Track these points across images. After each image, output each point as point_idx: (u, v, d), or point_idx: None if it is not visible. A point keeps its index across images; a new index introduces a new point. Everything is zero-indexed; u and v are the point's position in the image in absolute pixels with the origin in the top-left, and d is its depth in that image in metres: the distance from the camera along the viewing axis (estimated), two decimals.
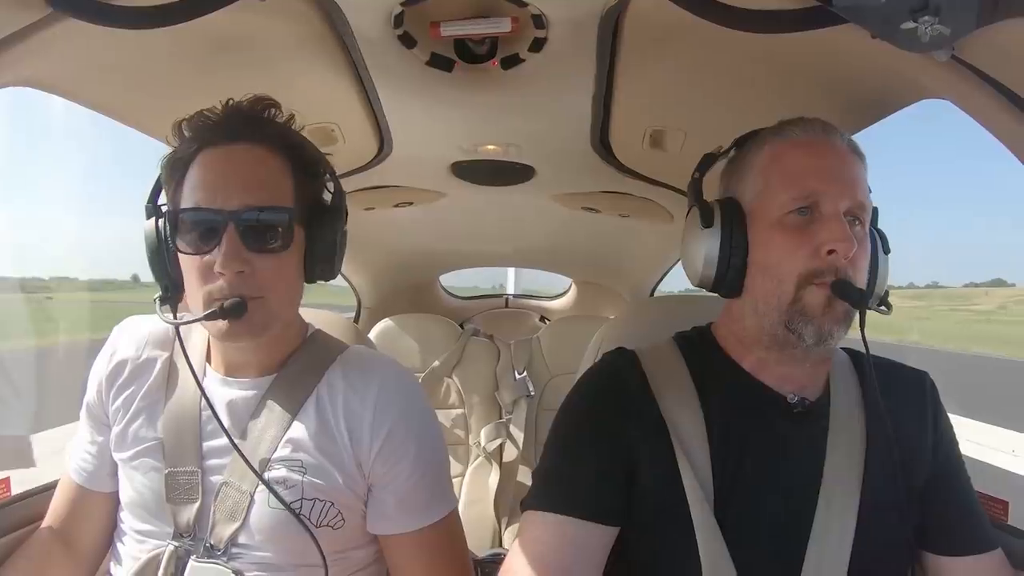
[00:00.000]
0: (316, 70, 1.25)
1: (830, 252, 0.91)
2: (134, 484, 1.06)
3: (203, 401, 1.06)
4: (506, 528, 2.65)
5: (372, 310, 3.29)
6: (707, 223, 1.00)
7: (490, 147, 1.71)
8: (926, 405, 1.04)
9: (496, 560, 2.03)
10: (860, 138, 1.30)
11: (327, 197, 1.10)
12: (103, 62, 1.11)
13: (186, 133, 1.03)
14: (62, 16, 0.88)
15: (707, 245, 0.99)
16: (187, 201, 0.99)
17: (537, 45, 1.14)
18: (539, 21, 1.08)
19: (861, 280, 0.94)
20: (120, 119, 1.33)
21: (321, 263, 1.07)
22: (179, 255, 1.01)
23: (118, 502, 1.11)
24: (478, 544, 2.51)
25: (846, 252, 0.90)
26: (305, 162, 1.06)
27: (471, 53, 1.20)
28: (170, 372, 1.11)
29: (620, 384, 1.02)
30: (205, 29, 0.96)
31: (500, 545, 2.57)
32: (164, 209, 1.03)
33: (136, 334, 1.15)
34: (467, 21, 1.10)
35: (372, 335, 2.78)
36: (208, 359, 1.12)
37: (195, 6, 0.89)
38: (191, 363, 1.03)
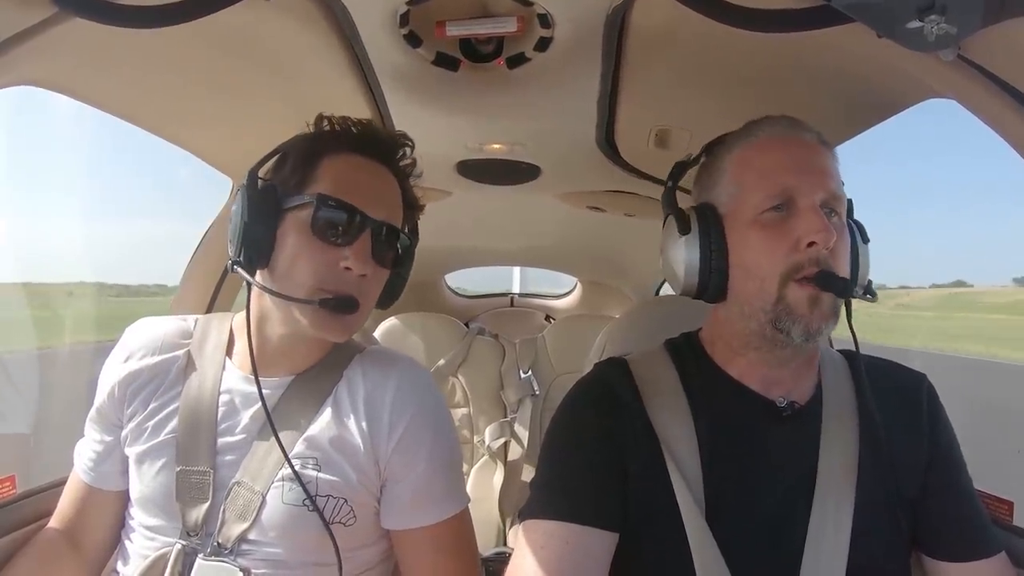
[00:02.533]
0: (321, 69, 1.25)
1: (810, 245, 0.90)
2: (144, 479, 1.07)
3: (220, 398, 1.08)
4: (510, 527, 2.65)
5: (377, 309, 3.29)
6: (684, 230, 0.99)
7: (496, 146, 1.71)
8: (922, 408, 1.02)
9: (500, 559, 2.04)
10: (861, 136, 1.31)
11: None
12: (109, 61, 1.11)
13: (325, 127, 1.11)
14: (67, 15, 0.88)
15: (687, 253, 0.98)
16: (325, 189, 1.04)
17: (543, 44, 1.14)
18: (545, 20, 1.08)
19: (844, 270, 0.93)
20: (126, 118, 1.33)
21: (391, 293, 1.16)
22: (292, 235, 1.03)
23: (126, 501, 1.12)
24: (483, 543, 2.50)
25: (826, 243, 0.89)
26: (410, 200, 1.16)
27: (477, 52, 1.20)
28: (187, 368, 1.12)
29: (611, 394, 1.02)
30: (211, 28, 0.96)
31: (504, 544, 2.57)
32: (311, 192, 1.04)
33: (150, 335, 1.15)
34: (473, 21, 1.11)
35: (377, 334, 2.78)
36: (229, 355, 1.13)
37: (201, 5, 0.89)
38: (253, 353, 1.05)
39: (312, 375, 1.11)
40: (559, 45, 1.14)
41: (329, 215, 1.02)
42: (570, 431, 1.03)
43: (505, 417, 2.80)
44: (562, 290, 4.07)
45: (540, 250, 3.34)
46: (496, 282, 4.30)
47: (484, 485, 2.72)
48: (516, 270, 4.44)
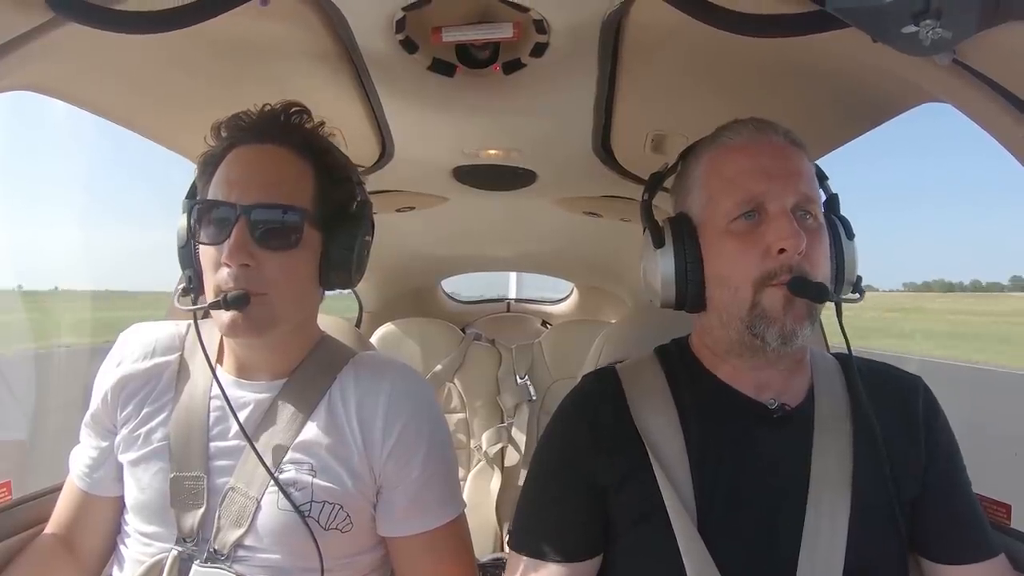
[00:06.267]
0: (318, 75, 1.25)
1: (781, 251, 0.89)
2: (140, 486, 1.06)
3: (212, 403, 1.07)
4: (507, 532, 2.64)
5: (374, 314, 3.29)
6: (659, 243, 1.00)
7: (492, 152, 1.71)
8: (918, 411, 1.01)
9: (498, 564, 2.03)
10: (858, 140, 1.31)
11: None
12: (105, 67, 1.11)
13: (222, 133, 1.06)
14: (63, 20, 0.87)
15: (662, 265, 0.99)
16: (210, 195, 1.01)
17: (539, 50, 1.14)
18: (541, 26, 1.07)
19: (821, 274, 0.92)
20: (123, 124, 1.33)
21: (337, 269, 1.06)
22: (200, 247, 1.02)
23: (121, 507, 1.11)
24: (480, 548, 2.50)
25: (795, 248, 0.88)
26: (329, 167, 1.08)
27: (473, 58, 1.20)
28: (179, 374, 1.11)
29: (594, 410, 1.02)
30: (207, 34, 0.96)
31: (502, 550, 2.57)
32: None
33: (143, 340, 1.15)
34: (469, 27, 1.10)
35: (374, 339, 2.78)
36: (220, 361, 1.12)
37: (197, 11, 0.89)
38: (206, 351, 1.04)
39: (304, 380, 1.09)
40: (555, 51, 1.14)
41: (201, 218, 1.01)
42: (550, 455, 1.04)
43: (502, 422, 2.81)
44: (558, 295, 4.07)
45: (537, 256, 3.34)
46: (492, 287, 4.30)
47: (481, 491, 2.72)
48: (512, 275, 4.44)
